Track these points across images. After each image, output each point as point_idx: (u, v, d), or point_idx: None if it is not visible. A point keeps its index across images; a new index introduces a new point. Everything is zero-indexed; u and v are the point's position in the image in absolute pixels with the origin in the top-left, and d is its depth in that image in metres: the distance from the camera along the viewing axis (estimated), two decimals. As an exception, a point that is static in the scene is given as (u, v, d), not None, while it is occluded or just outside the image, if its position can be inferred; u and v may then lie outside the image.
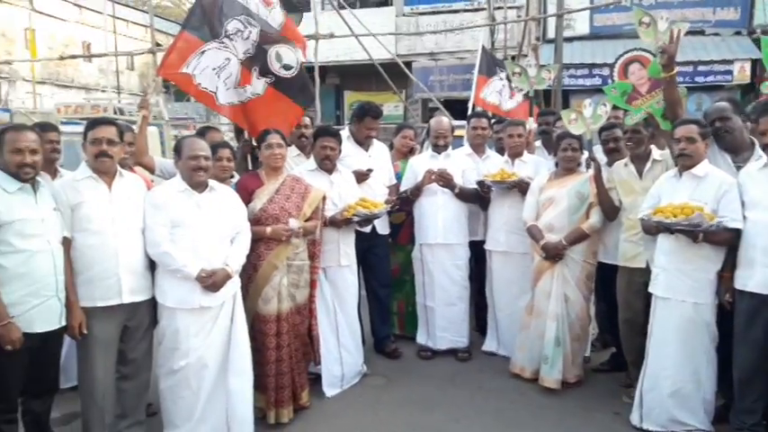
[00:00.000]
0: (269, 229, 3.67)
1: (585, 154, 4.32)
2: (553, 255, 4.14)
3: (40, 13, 19.78)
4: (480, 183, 4.64)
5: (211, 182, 3.44)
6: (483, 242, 4.82)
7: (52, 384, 3.27)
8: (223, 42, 4.36)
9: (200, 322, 3.30)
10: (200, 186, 3.37)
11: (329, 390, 4.13)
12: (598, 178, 4.04)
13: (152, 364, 3.48)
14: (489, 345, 4.87)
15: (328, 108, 15.96)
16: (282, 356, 3.70)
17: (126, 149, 3.74)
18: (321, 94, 9.52)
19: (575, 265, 4.17)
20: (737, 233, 3.25)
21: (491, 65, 7.43)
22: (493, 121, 5.70)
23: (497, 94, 6.76)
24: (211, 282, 3.24)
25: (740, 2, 13.54)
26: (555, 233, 4.16)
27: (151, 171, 4.15)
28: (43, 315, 2.96)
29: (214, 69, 4.35)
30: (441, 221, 4.67)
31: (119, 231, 3.19)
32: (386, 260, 4.85)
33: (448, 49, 14.95)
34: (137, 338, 3.35)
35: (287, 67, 4.60)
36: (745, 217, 3.24)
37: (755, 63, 12.46)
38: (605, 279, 4.19)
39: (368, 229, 4.47)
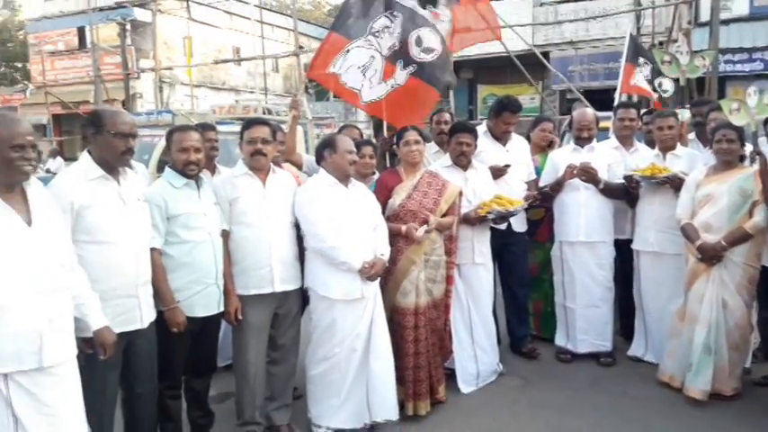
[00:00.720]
0: (404, 228, 3.73)
1: (749, 147, 3.93)
2: (710, 256, 3.81)
3: (196, 21, 21.49)
4: (628, 178, 4.37)
5: (352, 178, 3.59)
6: (630, 241, 4.55)
7: (210, 364, 3.53)
8: (368, 40, 4.48)
9: (355, 312, 3.46)
10: (347, 181, 3.53)
11: (465, 387, 4.12)
12: (764, 174, 3.65)
13: (298, 350, 3.68)
14: (636, 349, 4.59)
15: (461, 103, 15.88)
16: (420, 350, 3.76)
17: (278, 148, 3.97)
18: (454, 89, 9.50)
19: (735, 268, 3.81)
20: None
21: (636, 53, 7.02)
22: (642, 112, 5.35)
23: (646, 81, 6.35)
24: (374, 272, 3.40)
25: None
26: (713, 233, 3.83)
27: (299, 167, 4.37)
28: (204, 301, 3.21)
29: (359, 68, 4.50)
30: (583, 218, 4.47)
31: (272, 224, 3.39)
32: (523, 258, 4.73)
33: (588, 37, 14.28)
34: (286, 325, 3.56)
35: (428, 51, 4.62)
36: None
37: None
38: (768, 285, 3.80)
39: (504, 226, 4.40)
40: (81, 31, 21.73)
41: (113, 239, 2.77)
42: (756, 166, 3.73)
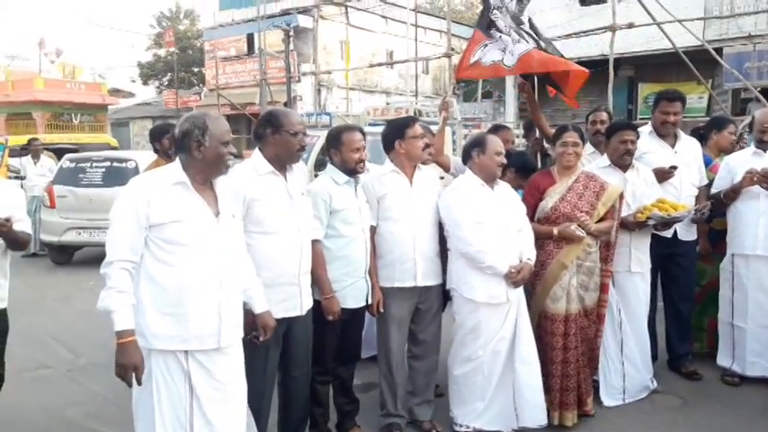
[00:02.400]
0: (556, 230, 3.62)
1: None
2: None
3: (354, 26, 22.38)
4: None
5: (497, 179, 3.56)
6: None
7: (355, 353, 3.67)
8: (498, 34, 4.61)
9: (499, 314, 3.45)
10: (494, 182, 3.51)
11: (608, 400, 3.90)
12: None
13: (439, 347, 3.71)
14: None
15: (620, 102, 15.05)
16: (569, 358, 3.63)
17: (427, 150, 4.03)
18: (613, 88, 9.04)
19: None
20: None
21: None
22: None
23: None
24: (521, 277, 3.37)
25: None
26: None
27: (446, 169, 4.38)
28: (354, 293, 3.36)
29: (498, 49, 4.62)
30: (762, 230, 4.04)
31: (416, 220, 3.48)
32: (691, 270, 4.38)
33: (768, 31, 12.89)
34: (427, 321, 3.63)
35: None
36: None
37: None
38: None
39: (669, 233, 4.10)
40: (250, 38, 23.55)
41: (280, 230, 2.97)
42: None
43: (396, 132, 3.56)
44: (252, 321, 2.73)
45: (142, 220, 2.38)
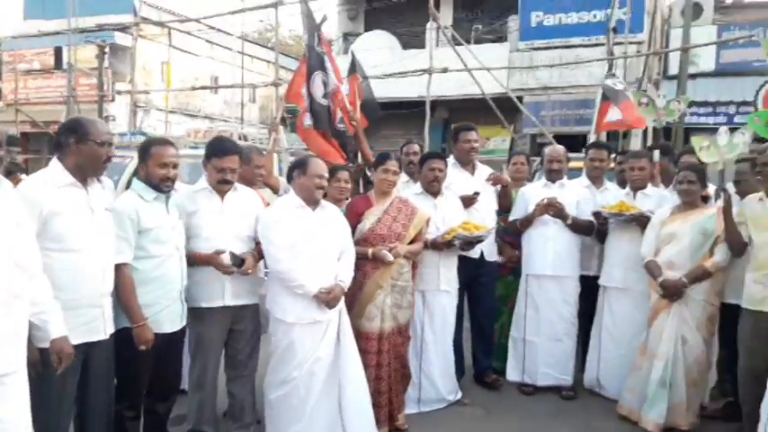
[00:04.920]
0: (371, 251, 3.73)
1: (712, 187, 4.07)
2: (672, 293, 3.90)
3: (176, 48, 21.53)
4: (596, 214, 4.48)
5: (322, 201, 3.56)
6: (596, 278, 4.62)
7: (174, 385, 3.46)
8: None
9: (313, 335, 3.42)
10: (315, 204, 3.51)
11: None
12: (727, 211, 3.76)
13: (255, 369, 3.63)
14: (589, 383, 4.64)
15: (435, 141, 16.09)
16: (381, 375, 3.74)
17: (256, 172, 4.00)
18: (430, 128, 9.70)
19: (695, 306, 3.91)
20: None
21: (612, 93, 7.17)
22: (615, 155, 5.50)
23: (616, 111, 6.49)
24: (331, 297, 3.37)
25: None
26: (675, 270, 3.93)
27: (276, 191, 4.37)
28: (170, 316, 3.19)
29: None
30: (551, 253, 4.54)
31: (227, 239, 3.38)
32: (492, 289, 4.75)
33: (561, 84, 14.70)
34: (243, 342, 3.54)
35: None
36: None
37: None
38: (728, 321, 3.88)
39: (476, 254, 4.43)
40: (58, 51, 21.56)
41: (81, 247, 2.73)
42: (720, 204, 3.84)
43: (209, 152, 3.47)
44: (36, 356, 2.44)
45: None
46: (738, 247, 3.77)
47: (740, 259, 3.80)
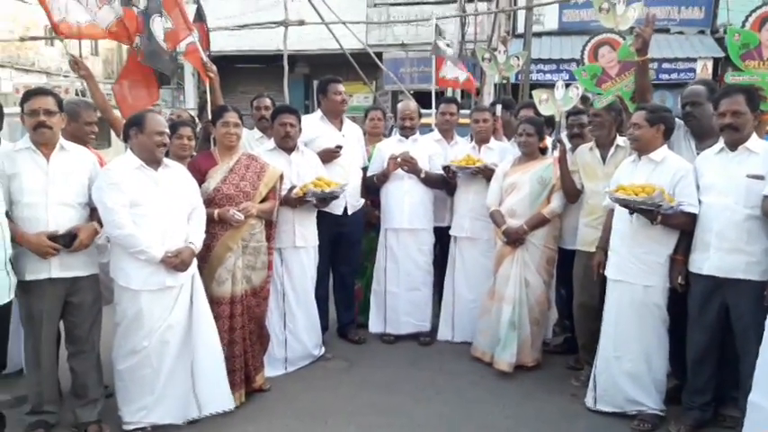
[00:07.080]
0: (216, 212, 3.58)
1: (550, 140, 4.36)
2: (514, 240, 4.17)
3: (2, -7, 19.17)
4: (446, 168, 4.64)
5: (165, 159, 3.36)
6: (449, 228, 4.82)
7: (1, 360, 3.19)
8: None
9: (163, 302, 3.26)
10: (157, 163, 3.30)
11: (270, 371, 4.04)
12: (562, 161, 4.06)
13: (98, 342, 3.40)
14: (444, 333, 4.82)
15: (297, 98, 15.80)
16: (235, 339, 3.66)
17: (87, 129, 3.71)
18: (290, 84, 9.46)
19: (535, 250, 4.21)
20: (693, 218, 3.29)
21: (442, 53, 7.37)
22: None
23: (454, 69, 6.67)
24: (179, 261, 3.20)
25: (704, 1, 13.81)
26: (517, 218, 4.19)
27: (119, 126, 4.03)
28: (-7, 289, 2.87)
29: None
30: (407, 206, 4.66)
31: (53, 205, 3.10)
32: (357, 245, 4.79)
33: (419, 40, 14.93)
34: (82, 316, 3.28)
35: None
36: (700, 201, 3.30)
37: (717, 62, 12.74)
38: (566, 265, 4.24)
39: (339, 210, 4.43)
40: None
41: None
42: (556, 154, 4.14)
43: (21, 103, 3.16)
44: None
45: None
46: (572, 194, 4.09)
47: (575, 209, 4.12)
